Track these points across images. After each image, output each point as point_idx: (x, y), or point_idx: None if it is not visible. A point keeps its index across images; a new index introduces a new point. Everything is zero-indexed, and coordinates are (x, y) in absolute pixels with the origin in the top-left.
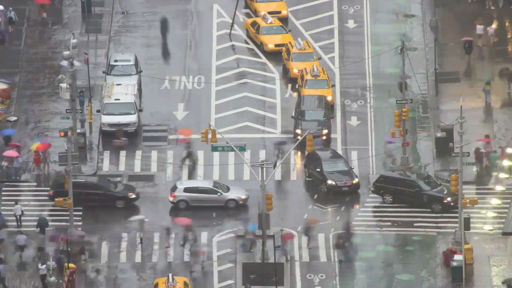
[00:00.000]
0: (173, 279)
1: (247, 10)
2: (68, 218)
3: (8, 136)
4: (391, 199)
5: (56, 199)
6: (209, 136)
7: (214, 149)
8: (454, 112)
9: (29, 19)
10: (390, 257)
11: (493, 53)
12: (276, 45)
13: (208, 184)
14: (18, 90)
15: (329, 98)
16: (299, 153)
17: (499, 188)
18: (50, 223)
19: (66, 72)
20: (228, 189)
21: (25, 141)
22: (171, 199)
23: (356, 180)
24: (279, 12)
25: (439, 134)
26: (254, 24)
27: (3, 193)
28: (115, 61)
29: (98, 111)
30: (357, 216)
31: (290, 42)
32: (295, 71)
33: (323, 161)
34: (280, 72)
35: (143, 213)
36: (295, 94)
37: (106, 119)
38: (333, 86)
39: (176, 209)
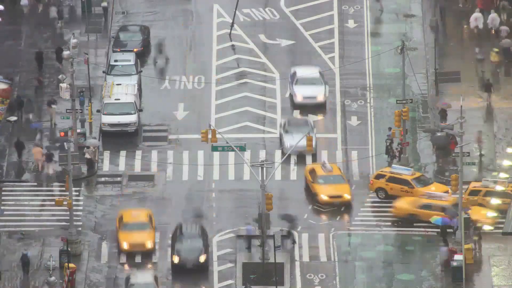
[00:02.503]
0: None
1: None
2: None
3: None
4: None
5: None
6: (209, 136)
7: (214, 149)
8: (454, 112)
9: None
10: (390, 257)
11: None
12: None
13: None
14: (18, 90)
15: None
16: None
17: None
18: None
19: (66, 71)
20: None
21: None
22: None
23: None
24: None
25: (439, 134)
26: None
27: (3, 193)
28: (115, 61)
29: (98, 111)
30: (357, 216)
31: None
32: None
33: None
34: (280, 72)
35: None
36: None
37: (106, 119)
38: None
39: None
